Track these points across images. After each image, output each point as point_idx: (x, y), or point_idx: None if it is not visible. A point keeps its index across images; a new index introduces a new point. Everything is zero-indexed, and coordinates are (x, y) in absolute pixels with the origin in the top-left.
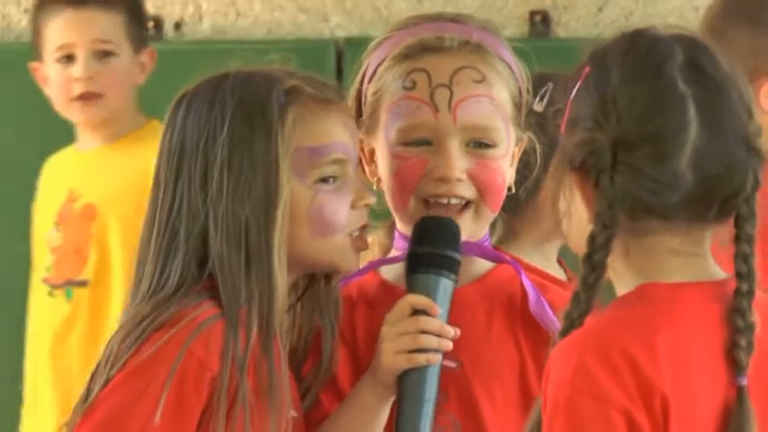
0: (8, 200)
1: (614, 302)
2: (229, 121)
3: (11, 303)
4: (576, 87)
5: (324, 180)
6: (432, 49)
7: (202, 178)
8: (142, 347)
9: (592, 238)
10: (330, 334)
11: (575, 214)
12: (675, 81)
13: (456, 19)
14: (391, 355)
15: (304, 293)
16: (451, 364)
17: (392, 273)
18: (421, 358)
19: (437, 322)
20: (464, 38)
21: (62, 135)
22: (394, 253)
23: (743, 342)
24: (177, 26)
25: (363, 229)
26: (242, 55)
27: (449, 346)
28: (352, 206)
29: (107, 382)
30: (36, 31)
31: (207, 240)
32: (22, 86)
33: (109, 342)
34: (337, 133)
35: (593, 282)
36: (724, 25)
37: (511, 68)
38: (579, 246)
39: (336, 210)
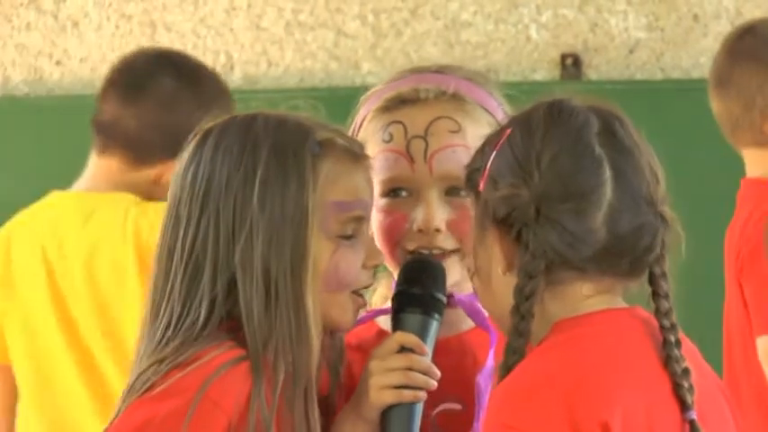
0: None
1: (539, 347)
2: (263, 165)
3: None
4: (498, 147)
5: (344, 236)
6: (408, 101)
7: (230, 219)
8: (157, 383)
9: (519, 290)
10: (335, 383)
11: (492, 269)
12: (593, 144)
13: (441, 70)
14: (378, 389)
15: None
16: (456, 407)
17: (389, 323)
18: (408, 394)
19: (425, 361)
20: (441, 89)
21: None
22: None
23: (685, 384)
24: None
25: (365, 288)
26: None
27: (433, 385)
28: (364, 265)
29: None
30: None
31: (232, 282)
32: (54, 138)
33: (128, 386)
34: (362, 190)
35: (523, 330)
36: (730, 69)
37: (494, 116)
38: (491, 299)
39: (350, 268)
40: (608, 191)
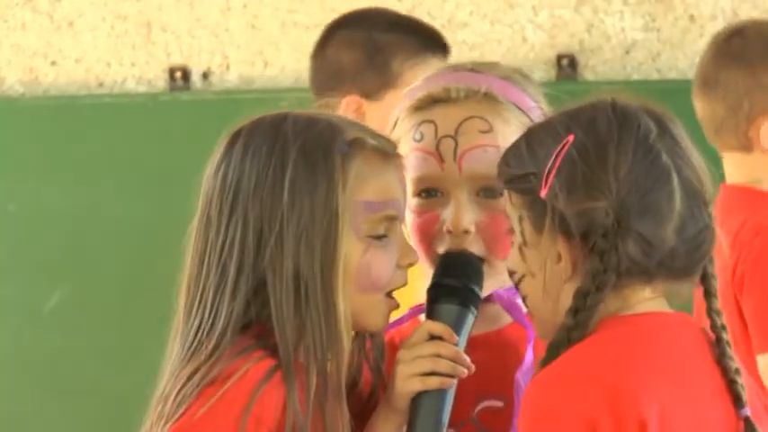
0: (43, 249)
1: (584, 341)
2: (292, 165)
3: None
4: (563, 154)
5: (375, 236)
6: (440, 100)
7: (258, 221)
8: (194, 404)
9: (583, 296)
10: (377, 382)
11: (554, 274)
12: (660, 153)
13: (476, 69)
14: (405, 377)
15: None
16: (498, 404)
17: None
18: (434, 381)
19: (453, 348)
20: (472, 88)
21: (91, 182)
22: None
23: (740, 380)
24: (205, 76)
25: (400, 288)
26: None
27: (463, 372)
28: (397, 265)
29: None
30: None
31: (260, 284)
32: (49, 139)
33: (159, 397)
34: (393, 190)
35: (576, 338)
36: (716, 71)
37: (528, 115)
38: (546, 305)
39: (383, 268)
40: (677, 199)
